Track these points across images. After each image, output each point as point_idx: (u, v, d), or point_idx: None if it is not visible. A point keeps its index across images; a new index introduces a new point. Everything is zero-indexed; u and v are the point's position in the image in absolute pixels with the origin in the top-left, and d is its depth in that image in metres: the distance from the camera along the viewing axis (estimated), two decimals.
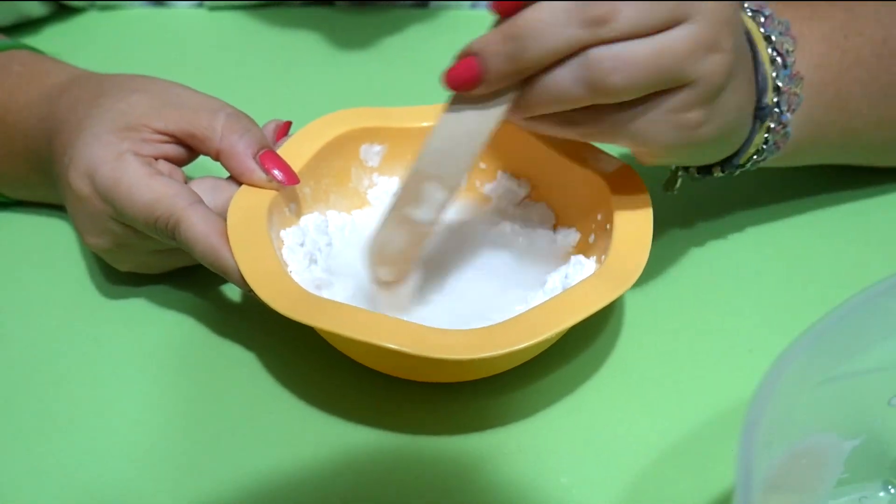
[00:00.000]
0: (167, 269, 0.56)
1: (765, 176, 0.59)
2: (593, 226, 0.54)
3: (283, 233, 0.52)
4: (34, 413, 0.51)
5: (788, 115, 0.51)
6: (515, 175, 0.58)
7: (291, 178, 0.52)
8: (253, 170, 0.51)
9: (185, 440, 0.49)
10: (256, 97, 0.57)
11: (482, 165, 0.58)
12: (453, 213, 0.58)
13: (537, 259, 0.55)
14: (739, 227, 0.60)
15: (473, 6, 0.77)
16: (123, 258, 0.55)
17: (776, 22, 0.52)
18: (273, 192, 0.51)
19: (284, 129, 0.55)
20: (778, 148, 0.53)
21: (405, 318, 0.48)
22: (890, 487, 0.44)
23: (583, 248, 0.54)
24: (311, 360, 0.52)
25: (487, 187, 0.58)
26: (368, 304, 0.50)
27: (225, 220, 0.50)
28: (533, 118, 0.46)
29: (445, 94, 0.59)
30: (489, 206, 0.58)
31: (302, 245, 0.52)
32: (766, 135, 0.51)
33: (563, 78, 0.43)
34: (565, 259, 0.53)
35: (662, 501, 0.46)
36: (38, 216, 0.61)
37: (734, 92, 0.47)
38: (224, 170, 0.53)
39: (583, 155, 0.54)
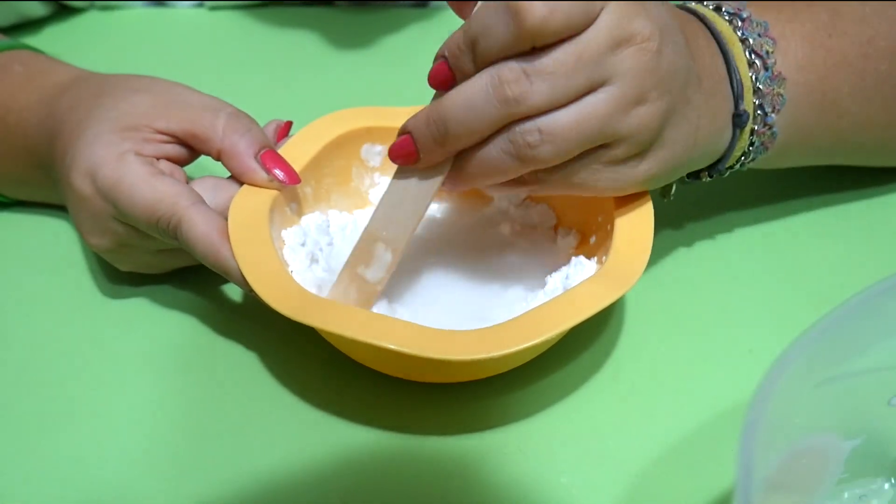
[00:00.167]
0: (168, 269, 0.56)
1: (764, 177, 0.59)
2: (594, 227, 0.54)
3: (284, 232, 0.52)
4: (35, 413, 0.51)
5: (773, 115, 0.52)
6: None
7: (293, 177, 0.52)
8: (254, 169, 0.51)
9: (186, 440, 0.49)
10: (256, 97, 0.57)
11: None
12: (454, 213, 0.58)
13: (538, 260, 0.55)
14: (739, 228, 0.60)
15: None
16: (124, 258, 0.55)
17: (754, 24, 0.52)
18: (274, 192, 0.52)
19: (285, 130, 0.56)
20: (766, 148, 0.53)
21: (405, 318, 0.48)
22: (893, 479, 0.44)
23: (583, 250, 0.54)
24: (311, 361, 0.52)
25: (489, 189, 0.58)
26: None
27: (226, 219, 0.50)
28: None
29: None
30: (490, 207, 0.58)
31: (303, 245, 0.52)
32: (751, 137, 0.52)
33: (495, 153, 0.45)
34: (566, 260, 0.53)
35: (662, 501, 0.46)
36: (38, 216, 0.61)
37: (678, 126, 0.47)
38: (225, 170, 0.53)
39: None
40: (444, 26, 0.76)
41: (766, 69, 0.51)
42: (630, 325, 0.54)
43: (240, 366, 0.53)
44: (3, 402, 0.51)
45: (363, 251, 0.50)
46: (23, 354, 0.54)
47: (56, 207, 0.61)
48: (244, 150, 0.51)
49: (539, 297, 0.51)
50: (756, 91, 0.51)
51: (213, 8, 0.78)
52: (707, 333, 0.54)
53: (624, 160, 0.46)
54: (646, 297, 0.55)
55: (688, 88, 0.47)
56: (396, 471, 0.48)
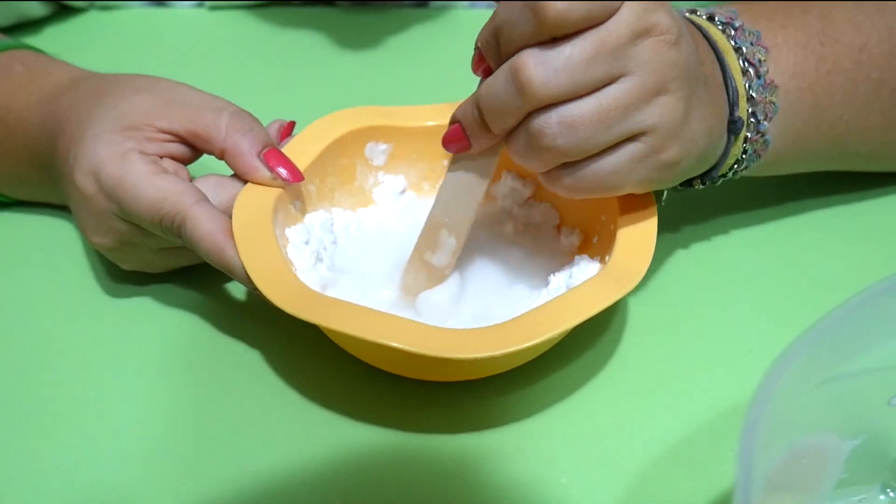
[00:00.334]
0: (171, 267, 0.56)
1: (763, 178, 0.59)
2: (597, 227, 0.54)
3: (288, 231, 0.52)
4: (36, 413, 0.51)
5: (766, 123, 0.52)
6: (520, 175, 0.58)
7: (296, 175, 0.52)
8: (257, 168, 0.51)
9: (188, 439, 0.49)
10: (256, 97, 0.57)
11: None
12: None
13: (541, 259, 0.55)
14: (739, 228, 0.60)
15: (472, 6, 0.77)
16: (127, 257, 0.55)
17: (747, 33, 0.52)
18: (278, 190, 0.52)
19: (288, 130, 0.56)
20: (758, 156, 0.53)
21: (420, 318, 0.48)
22: (889, 491, 0.44)
23: (586, 249, 0.54)
24: (314, 359, 0.52)
25: (492, 187, 0.58)
26: (374, 303, 0.50)
27: (230, 217, 0.50)
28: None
29: (445, 93, 0.59)
30: (494, 206, 0.58)
31: (307, 243, 0.52)
32: (744, 144, 0.52)
33: (521, 142, 0.46)
34: (569, 259, 0.53)
35: (662, 501, 0.46)
36: (39, 216, 0.61)
37: (700, 120, 0.47)
38: (228, 169, 0.53)
39: None
40: (445, 26, 0.76)
41: (759, 77, 0.51)
42: (630, 325, 0.54)
43: (242, 365, 0.53)
44: (4, 402, 0.51)
45: (429, 238, 0.51)
46: (24, 354, 0.54)
47: (57, 207, 0.61)
48: (247, 149, 0.52)
49: (542, 297, 0.51)
50: (749, 99, 0.51)
51: (213, 8, 0.78)
52: (707, 333, 0.54)
53: (651, 153, 0.46)
54: (646, 297, 0.55)
55: (699, 87, 0.47)
56: (397, 470, 0.48)
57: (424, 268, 0.52)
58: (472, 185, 0.50)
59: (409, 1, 0.78)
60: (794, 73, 0.53)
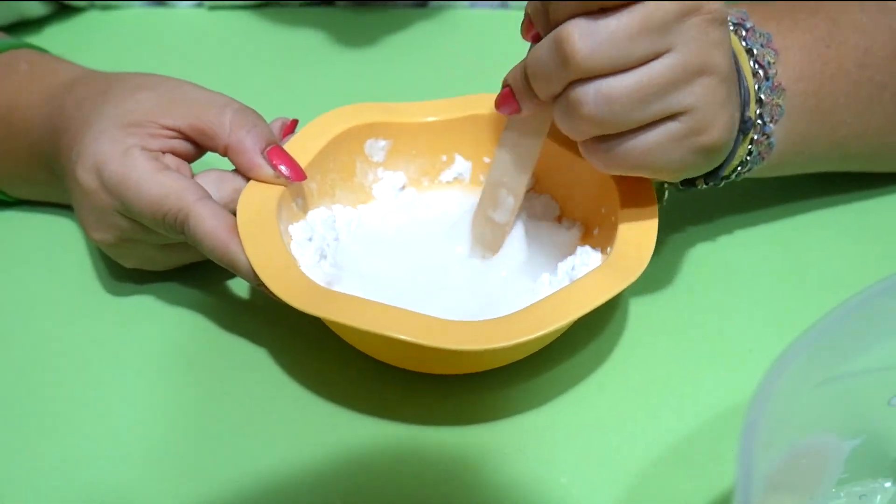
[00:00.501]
0: (173, 265, 0.56)
1: (764, 178, 0.59)
2: (598, 218, 0.54)
3: (291, 227, 0.52)
4: (36, 413, 0.51)
5: (771, 125, 0.52)
6: None
7: (298, 174, 0.52)
8: (261, 165, 0.52)
9: (189, 439, 0.49)
10: (256, 97, 0.57)
11: (486, 160, 0.58)
12: (456, 206, 0.58)
13: (543, 251, 0.55)
14: (739, 229, 0.60)
15: (472, 6, 0.77)
16: (129, 254, 0.55)
17: (758, 34, 0.52)
18: (281, 188, 0.52)
19: (290, 128, 0.56)
20: (762, 158, 0.53)
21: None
22: (892, 483, 0.44)
23: (588, 241, 0.54)
24: (316, 356, 0.52)
25: None
26: (377, 298, 0.51)
27: (233, 213, 0.50)
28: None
29: (445, 93, 0.59)
30: None
31: (310, 240, 0.52)
32: (749, 146, 0.52)
33: (560, 109, 0.46)
34: (571, 251, 0.53)
35: (662, 501, 0.46)
36: (40, 215, 0.61)
37: (735, 108, 0.47)
38: (229, 165, 0.53)
39: None
40: (445, 26, 0.76)
41: (768, 79, 0.51)
42: (630, 325, 0.54)
43: (244, 363, 0.53)
44: (4, 402, 0.51)
45: (490, 196, 0.54)
46: (25, 353, 0.54)
47: (59, 206, 0.61)
48: (251, 146, 0.52)
49: (545, 289, 0.51)
50: (758, 101, 0.51)
51: (212, 8, 0.78)
52: (707, 333, 0.54)
53: (689, 135, 0.46)
54: (646, 297, 0.55)
55: (732, 75, 0.47)
56: (398, 469, 0.48)
57: (488, 223, 0.54)
58: (525, 147, 0.52)
59: (408, 0, 0.78)
60: (800, 76, 0.53)
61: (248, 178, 0.52)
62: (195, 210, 0.49)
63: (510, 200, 0.53)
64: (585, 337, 0.53)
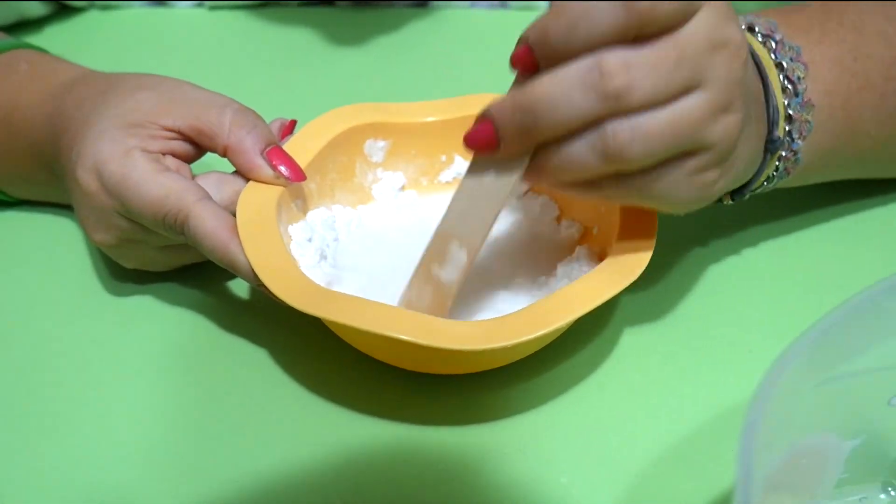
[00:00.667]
0: (173, 265, 0.56)
1: None
2: (596, 218, 0.54)
3: (291, 228, 0.53)
4: (36, 413, 0.51)
5: (800, 142, 0.51)
6: None
7: (298, 174, 0.52)
8: (260, 165, 0.52)
9: (189, 439, 0.49)
10: (256, 97, 0.57)
11: None
12: None
13: (542, 251, 0.55)
14: (739, 228, 0.60)
15: (471, 6, 0.77)
16: (129, 255, 0.55)
17: (787, 48, 0.51)
18: (281, 188, 0.52)
19: (289, 128, 0.56)
20: (788, 174, 0.52)
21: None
22: (890, 490, 0.44)
23: (587, 240, 0.54)
24: (318, 354, 0.52)
25: None
26: (378, 299, 0.51)
27: (233, 214, 0.50)
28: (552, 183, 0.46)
29: (445, 92, 0.59)
30: None
31: (310, 241, 0.52)
32: (776, 162, 0.51)
33: (580, 149, 0.42)
34: (570, 251, 0.53)
35: (662, 501, 0.46)
36: (41, 215, 0.61)
37: (745, 143, 0.46)
38: (230, 167, 0.53)
39: None
40: (444, 26, 0.76)
41: (797, 95, 0.50)
42: (629, 324, 0.54)
43: (244, 363, 0.53)
44: (4, 402, 0.51)
45: (437, 250, 0.48)
46: (25, 353, 0.54)
47: (60, 206, 0.61)
48: (250, 147, 0.52)
49: (544, 289, 0.51)
50: (787, 118, 0.50)
51: (212, 8, 0.78)
52: (707, 333, 0.54)
53: (704, 170, 0.45)
54: (646, 296, 0.55)
55: (752, 107, 0.46)
56: (398, 469, 0.48)
57: (430, 282, 0.48)
58: (492, 194, 0.45)
59: (408, 0, 0.78)
60: (828, 91, 0.52)
61: (247, 179, 0.52)
62: (195, 211, 0.49)
63: (461, 257, 0.47)
64: (585, 337, 0.53)
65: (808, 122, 0.51)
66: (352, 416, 0.50)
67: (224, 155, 0.53)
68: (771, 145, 0.50)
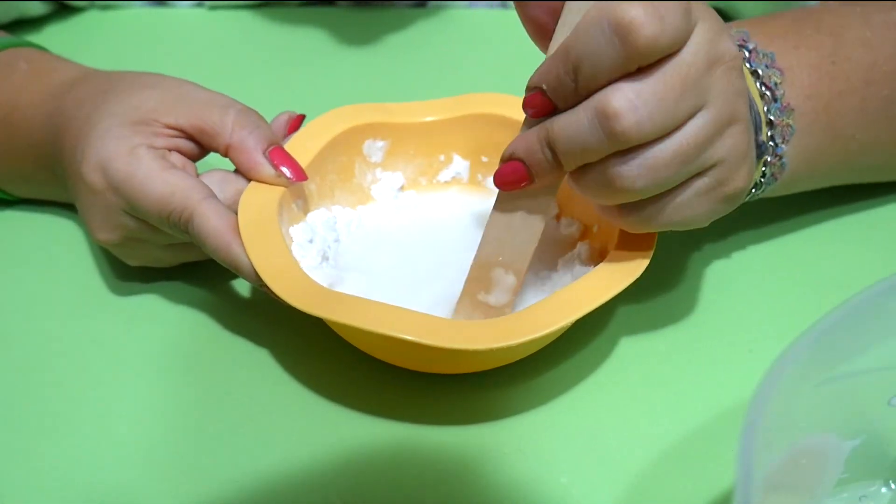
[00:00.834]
0: (178, 262, 0.56)
1: None
2: (596, 216, 0.54)
3: (292, 229, 0.53)
4: (36, 413, 0.51)
5: (783, 146, 0.51)
6: None
7: (300, 174, 0.52)
8: (262, 164, 0.52)
9: (189, 439, 0.49)
10: (256, 97, 0.57)
11: (483, 159, 0.58)
12: (454, 206, 0.58)
13: (542, 250, 0.55)
14: (739, 228, 0.60)
15: (471, 6, 0.77)
16: (134, 253, 0.55)
17: (761, 55, 0.52)
18: (282, 189, 0.52)
19: (297, 123, 0.56)
20: (775, 179, 0.52)
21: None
22: (892, 483, 0.44)
23: (587, 238, 0.54)
24: (319, 354, 0.52)
25: (489, 179, 0.59)
26: (380, 299, 0.51)
27: (236, 213, 0.50)
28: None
29: (445, 91, 0.59)
30: (491, 198, 0.58)
31: (311, 241, 0.52)
32: (763, 168, 0.51)
33: (596, 181, 0.44)
34: (571, 249, 0.53)
35: (662, 501, 0.46)
36: (42, 215, 0.61)
37: (752, 149, 0.47)
38: (230, 167, 0.53)
39: None
40: (443, 26, 0.76)
41: (776, 101, 0.51)
42: (630, 324, 0.54)
43: (244, 363, 0.53)
44: (4, 402, 0.51)
45: (479, 279, 0.49)
46: (26, 353, 0.54)
47: (60, 205, 0.61)
48: (253, 146, 0.52)
49: (547, 283, 0.51)
50: (769, 123, 0.51)
51: (212, 7, 0.78)
52: (707, 333, 0.54)
53: (715, 186, 0.45)
54: (646, 296, 0.55)
55: (751, 123, 0.47)
56: (398, 468, 0.48)
57: (479, 308, 0.50)
58: (531, 220, 0.47)
59: (408, 0, 0.78)
60: (809, 95, 0.53)
61: (249, 179, 0.52)
62: (199, 209, 0.49)
63: (510, 279, 0.49)
64: (585, 337, 0.53)
65: (790, 125, 0.51)
66: (352, 416, 0.50)
67: (226, 155, 0.53)
68: (757, 150, 0.50)
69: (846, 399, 0.42)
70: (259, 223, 0.50)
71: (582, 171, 0.45)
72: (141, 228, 0.52)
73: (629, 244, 0.49)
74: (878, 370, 0.42)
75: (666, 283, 0.56)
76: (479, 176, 0.59)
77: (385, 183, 0.58)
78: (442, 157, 0.58)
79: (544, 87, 0.44)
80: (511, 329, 0.45)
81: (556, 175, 0.45)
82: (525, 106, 0.45)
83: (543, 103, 0.44)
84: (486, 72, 0.73)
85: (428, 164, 0.59)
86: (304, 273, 0.48)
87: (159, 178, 0.50)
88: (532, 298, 0.51)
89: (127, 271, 0.57)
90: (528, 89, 0.45)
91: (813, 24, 0.55)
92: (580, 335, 0.53)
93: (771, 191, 0.54)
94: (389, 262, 0.54)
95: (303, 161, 0.53)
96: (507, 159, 0.46)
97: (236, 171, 0.53)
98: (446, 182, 0.59)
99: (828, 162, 0.55)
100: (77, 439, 0.49)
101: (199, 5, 0.78)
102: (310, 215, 0.55)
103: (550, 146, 0.44)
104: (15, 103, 0.57)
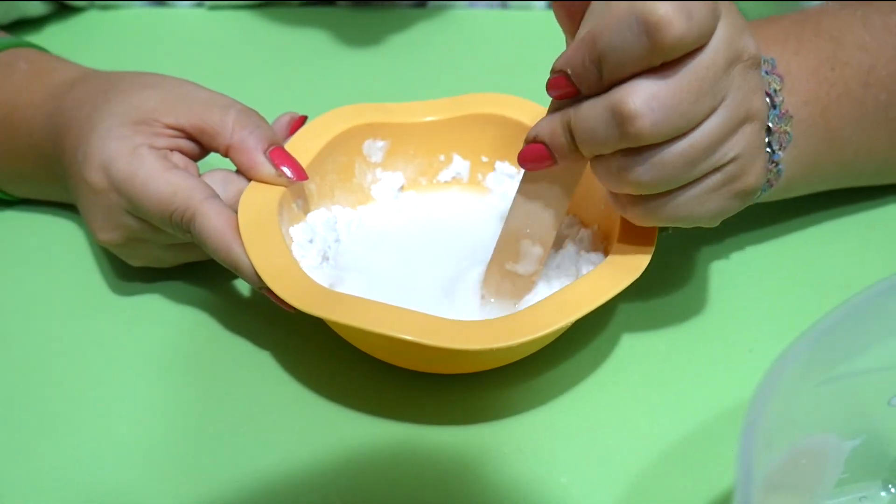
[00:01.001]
0: (179, 262, 0.56)
1: None
2: (597, 215, 0.54)
3: (292, 229, 0.53)
4: (36, 413, 0.51)
5: (780, 153, 0.51)
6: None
7: (300, 174, 0.52)
8: (262, 163, 0.52)
9: (189, 439, 0.49)
10: (256, 97, 0.57)
11: (484, 159, 0.58)
12: (455, 206, 0.58)
13: None
14: (738, 228, 0.60)
15: (471, 6, 0.77)
16: (135, 253, 0.55)
17: (762, 61, 0.51)
18: (282, 189, 0.52)
19: (299, 123, 0.56)
20: (770, 186, 0.52)
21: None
22: (891, 487, 0.44)
23: (588, 237, 0.54)
24: (319, 354, 0.53)
25: (489, 179, 0.59)
26: (381, 299, 0.51)
27: (236, 213, 0.50)
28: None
29: (445, 92, 0.59)
30: (490, 198, 0.58)
31: (311, 242, 0.52)
32: None
33: (604, 167, 0.45)
34: (572, 248, 0.53)
35: (662, 501, 0.46)
36: (42, 215, 0.61)
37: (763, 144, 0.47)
38: (231, 167, 0.53)
39: None
40: (443, 26, 0.76)
41: (775, 107, 0.50)
42: (630, 324, 0.54)
43: (244, 363, 0.53)
44: (4, 402, 0.51)
45: (507, 249, 0.51)
46: (26, 353, 0.54)
47: (61, 205, 0.61)
48: (253, 146, 0.52)
49: (547, 287, 0.51)
50: (766, 129, 0.50)
51: (212, 8, 0.78)
52: (707, 333, 0.54)
53: (727, 183, 0.45)
54: (646, 296, 0.55)
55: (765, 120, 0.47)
56: (398, 468, 0.48)
57: (507, 277, 0.51)
58: (557, 195, 0.48)
59: (408, 0, 0.78)
60: (807, 101, 0.53)
61: (250, 179, 0.52)
62: (201, 209, 0.49)
63: (537, 250, 0.50)
64: (585, 337, 0.53)
65: (787, 132, 0.51)
66: (352, 416, 0.50)
67: (226, 155, 0.53)
68: None
69: (846, 399, 0.42)
70: (259, 223, 0.50)
71: (597, 157, 0.45)
72: (142, 228, 0.52)
73: (629, 245, 0.49)
74: (878, 370, 0.42)
75: (666, 283, 0.56)
76: (479, 176, 0.59)
77: (385, 183, 0.58)
78: (442, 157, 0.58)
79: (569, 71, 0.44)
80: (511, 329, 0.45)
81: (577, 157, 0.46)
82: (549, 88, 0.45)
83: (567, 87, 0.44)
84: (486, 72, 0.73)
85: (428, 164, 0.59)
86: (305, 273, 0.48)
87: (161, 178, 0.50)
88: (531, 299, 0.51)
89: (127, 271, 0.57)
90: (554, 71, 0.45)
91: (813, 28, 0.55)
92: (580, 335, 0.53)
93: (767, 196, 0.54)
94: (389, 262, 0.54)
95: (303, 161, 0.53)
96: (532, 141, 0.47)
97: (238, 171, 0.53)
98: (446, 182, 0.59)
99: (824, 166, 0.55)
100: (77, 439, 0.49)
101: (199, 5, 0.78)
102: (310, 215, 0.55)
103: (570, 132, 0.45)
104: (15, 103, 0.57)
